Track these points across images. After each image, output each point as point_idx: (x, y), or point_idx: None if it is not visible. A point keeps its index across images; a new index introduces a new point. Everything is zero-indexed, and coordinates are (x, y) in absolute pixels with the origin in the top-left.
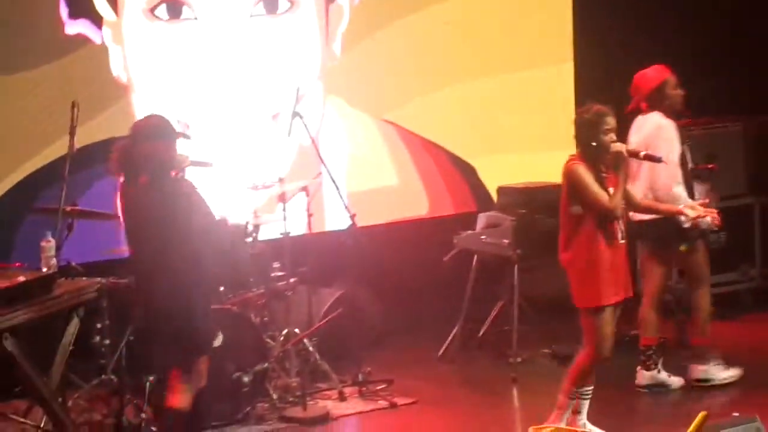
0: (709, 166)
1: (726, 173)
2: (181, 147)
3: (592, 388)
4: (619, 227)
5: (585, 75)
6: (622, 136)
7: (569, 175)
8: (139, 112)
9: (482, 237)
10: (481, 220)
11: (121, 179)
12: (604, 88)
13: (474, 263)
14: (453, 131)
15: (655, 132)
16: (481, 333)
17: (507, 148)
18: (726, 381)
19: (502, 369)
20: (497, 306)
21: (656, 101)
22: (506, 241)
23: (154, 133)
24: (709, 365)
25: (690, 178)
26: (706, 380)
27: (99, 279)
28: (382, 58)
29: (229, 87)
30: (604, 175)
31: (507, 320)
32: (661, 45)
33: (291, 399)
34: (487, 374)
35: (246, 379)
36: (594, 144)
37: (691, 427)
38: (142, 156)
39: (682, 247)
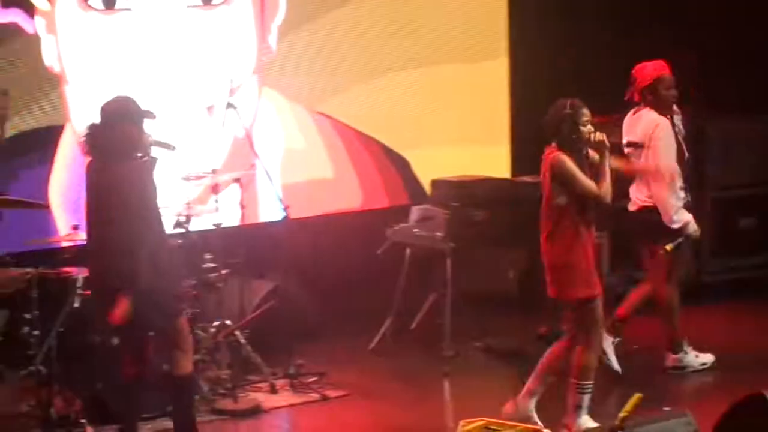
0: None
1: None
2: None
3: (592, 383)
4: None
5: (519, 71)
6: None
7: (555, 165)
8: (72, 103)
9: (415, 230)
10: (414, 213)
11: (89, 159)
12: (538, 84)
13: (407, 256)
14: (387, 124)
15: (652, 129)
16: (413, 326)
17: (441, 141)
18: (703, 367)
19: (434, 362)
20: (430, 299)
21: (647, 97)
22: (439, 234)
23: (120, 115)
24: (683, 354)
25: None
26: (683, 367)
27: (29, 269)
28: (318, 50)
29: (164, 78)
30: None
31: (439, 313)
32: (594, 41)
33: (222, 391)
34: (419, 367)
35: None
36: (574, 136)
37: (626, 408)
38: (108, 137)
39: (668, 247)
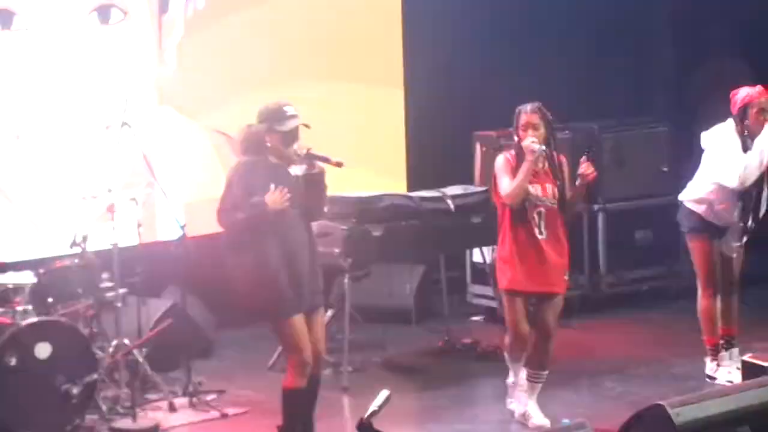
0: None
1: None
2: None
3: (545, 372)
4: (536, 221)
5: (415, 102)
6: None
7: (495, 164)
8: None
9: None
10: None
11: None
12: (433, 110)
13: None
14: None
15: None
16: None
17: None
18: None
19: (333, 378)
20: (328, 315)
21: (738, 119)
22: (337, 250)
23: (257, 115)
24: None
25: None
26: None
27: None
28: (215, 68)
29: (62, 97)
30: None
31: (338, 329)
32: (491, 61)
33: (121, 410)
34: None
35: (75, 390)
36: (516, 140)
37: (376, 403)
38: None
39: None
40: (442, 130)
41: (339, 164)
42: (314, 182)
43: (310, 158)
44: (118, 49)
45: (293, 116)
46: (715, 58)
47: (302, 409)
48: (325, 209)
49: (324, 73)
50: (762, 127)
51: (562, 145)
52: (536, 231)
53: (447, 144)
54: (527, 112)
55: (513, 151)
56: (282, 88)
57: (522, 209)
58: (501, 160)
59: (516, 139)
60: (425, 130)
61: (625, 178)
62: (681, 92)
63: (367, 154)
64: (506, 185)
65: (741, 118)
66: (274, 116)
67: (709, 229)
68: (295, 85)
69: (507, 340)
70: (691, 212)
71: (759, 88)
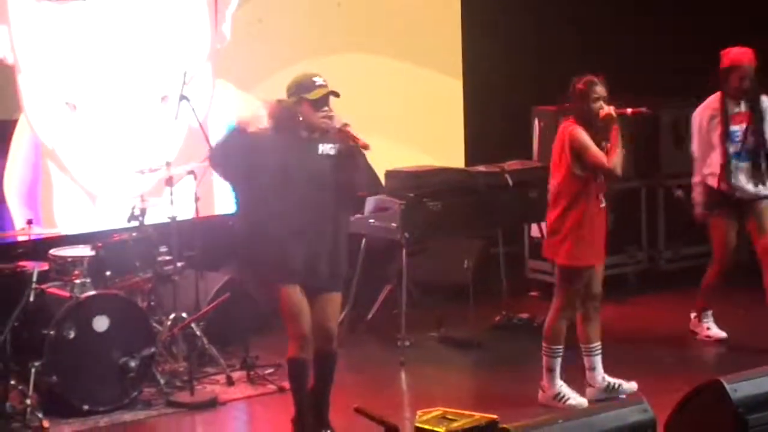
0: None
1: None
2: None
3: (561, 347)
4: (602, 190)
5: (473, 78)
6: None
7: (569, 138)
8: (26, 94)
9: (370, 220)
10: (370, 203)
11: None
12: (493, 90)
13: (362, 247)
14: (341, 114)
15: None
16: (369, 316)
17: (394, 134)
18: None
19: (390, 352)
20: (385, 289)
21: (721, 82)
22: (394, 224)
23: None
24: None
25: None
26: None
27: None
28: (271, 40)
29: (118, 68)
30: (604, 143)
31: (395, 304)
32: (550, 37)
33: (178, 384)
34: (376, 358)
35: (133, 363)
36: (586, 111)
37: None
38: None
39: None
40: (501, 106)
41: (365, 147)
42: (349, 155)
43: (342, 134)
44: (173, 19)
45: (322, 85)
46: None
47: (303, 381)
48: (371, 186)
49: (380, 48)
50: (740, 90)
51: None
52: (602, 200)
53: (505, 119)
54: (599, 85)
55: (576, 122)
56: (336, 60)
57: (598, 181)
58: (582, 133)
59: (585, 109)
60: (483, 105)
61: (684, 155)
62: None
63: (424, 129)
64: (605, 157)
65: (723, 79)
66: (302, 86)
67: (727, 204)
68: (350, 57)
69: (556, 320)
70: (711, 189)
71: (748, 50)
